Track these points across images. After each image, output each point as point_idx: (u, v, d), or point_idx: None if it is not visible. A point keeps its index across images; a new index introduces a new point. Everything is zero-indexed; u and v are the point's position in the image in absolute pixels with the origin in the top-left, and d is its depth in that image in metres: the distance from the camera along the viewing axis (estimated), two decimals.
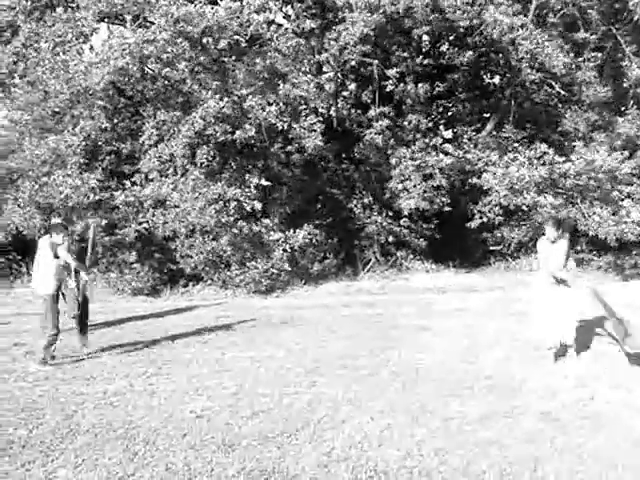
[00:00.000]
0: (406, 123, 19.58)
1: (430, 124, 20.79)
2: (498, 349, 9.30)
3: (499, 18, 17.59)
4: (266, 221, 16.54)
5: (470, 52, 19.45)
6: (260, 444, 5.52)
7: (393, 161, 18.84)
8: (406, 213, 18.74)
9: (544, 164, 18.06)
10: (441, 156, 19.61)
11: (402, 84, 19.44)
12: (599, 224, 17.80)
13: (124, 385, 7.32)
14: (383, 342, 9.89)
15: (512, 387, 7.27)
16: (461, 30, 18.91)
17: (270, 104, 15.83)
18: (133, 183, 16.28)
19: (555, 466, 5.04)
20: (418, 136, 19.54)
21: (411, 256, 19.86)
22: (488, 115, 22.38)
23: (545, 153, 18.21)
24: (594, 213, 18.12)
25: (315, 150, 17.01)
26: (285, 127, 16.21)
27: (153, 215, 15.77)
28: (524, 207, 18.42)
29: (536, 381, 7.52)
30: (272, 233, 16.38)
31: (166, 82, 16.10)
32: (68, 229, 9.02)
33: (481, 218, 19.11)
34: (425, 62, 19.88)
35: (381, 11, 17.26)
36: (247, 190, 15.78)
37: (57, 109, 16.12)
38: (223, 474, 4.93)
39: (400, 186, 18.57)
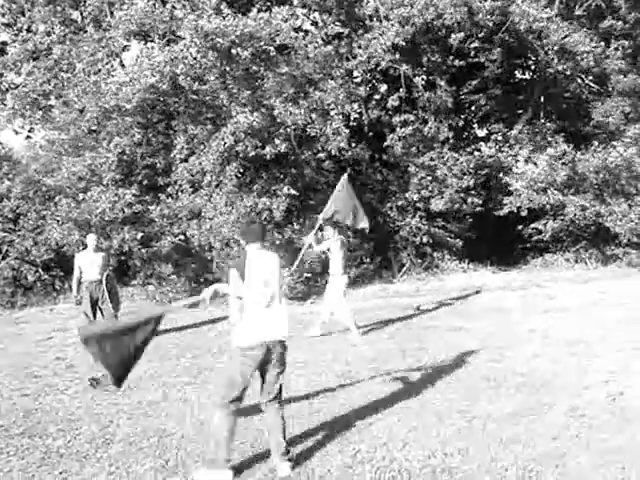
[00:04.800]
0: (437, 123, 19.56)
1: (462, 123, 20.76)
2: (530, 347, 9.34)
3: (526, 9, 17.54)
4: (297, 227, 16.71)
5: (499, 49, 19.41)
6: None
7: (423, 163, 18.87)
8: (438, 212, 18.79)
9: (565, 163, 18.04)
10: (476, 154, 19.65)
11: (430, 85, 19.49)
12: (619, 219, 17.84)
13: (159, 395, 7.50)
14: (416, 344, 9.96)
15: (541, 384, 7.31)
16: (489, 28, 18.87)
17: (300, 111, 16.01)
18: (168, 195, 16.60)
19: (578, 462, 5.08)
20: (450, 135, 19.55)
21: (447, 257, 19.82)
22: (520, 111, 22.27)
23: (565, 153, 18.18)
24: (612, 211, 18.11)
25: (340, 153, 17.14)
26: (315, 133, 16.38)
27: (188, 226, 16.05)
28: (548, 206, 18.44)
29: (567, 377, 7.56)
30: (303, 239, 16.55)
31: (196, 96, 16.37)
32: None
33: (510, 211, 19.07)
34: (455, 62, 19.87)
35: (412, 22, 17.38)
36: (278, 199, 16.00)
37: (92, 127, 16.49)
38: (251, 477, 5.06)
39: (432, 187, 18.62)
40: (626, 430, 5.76)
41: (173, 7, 15.86)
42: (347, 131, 16.59)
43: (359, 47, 18.12)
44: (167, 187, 16.79)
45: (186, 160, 16.12)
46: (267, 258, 5.40)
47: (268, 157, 16.07)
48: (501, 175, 19.48)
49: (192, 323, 13.06)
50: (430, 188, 18.77)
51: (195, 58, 15.28)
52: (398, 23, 17.16)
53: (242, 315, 5.18)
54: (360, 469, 5.12)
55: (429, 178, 18.82)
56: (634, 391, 6.90)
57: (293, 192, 16.45)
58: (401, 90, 19.35)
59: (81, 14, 18.60)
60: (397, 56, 17.84)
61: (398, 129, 19.09)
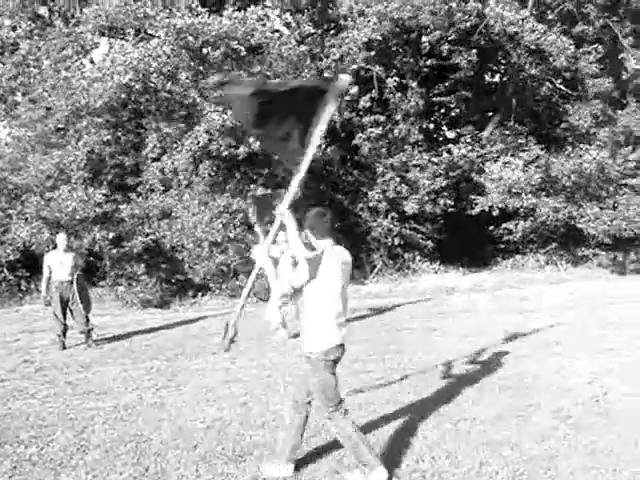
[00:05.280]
0: (408, 125, 19.52)
1: (432, 126, 20.74)
2: (508, 348, 9.28)
3: (500, 12, 17.60)
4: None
5: (473, 51, 19.43)
6: (272, 453, 5.44)
7: (393, 164, 18.82)
8: (410, 213, 18.75)
9: (538, 167, 18.15)
10: (445, 155, 19.63)
11: (401, 87, 19.46)
12: (591, 221, 18.05)
13: (134, 399, 7.28)
14: (393, 345, 9.87)
15: (524, 386, 7.24)
16: (462, 30, 18.88)
17: None
18: (139, 195, 16.35)
19: (568, 464, 5.00)
20: (421, 137, 19.53)
21: (419, 258, 19.81)
22: (491, 114, 22.35)
23: (538, 157, 18.31)
24: (584, 213, 18.28)
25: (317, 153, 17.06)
26: None
27: (159, 226, 15.81)
28: (521, 209, 18.54)
29: (548, 378, 7.50)
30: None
31: (168, 95, 16.12)
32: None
33: (482, 210, 19.11)
34: (427, 62, 19.86)
35: (389, 17, 17.39)
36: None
37: (60, 125, 16.18)
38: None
39: (403, 189, 18.57)
40: (612, 431, 5.69)
41: (144, 3, 15.59)
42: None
43: (332, 46, 18.04)
44: (137, 186, 16.53)
45: (158, 159, 15.89)
46: (343, 256, 4.92)
47: (241, 157, 15.89)
48: (473, 175, 19.50)
49: (164, 325, 12.87)
50: (399, 189, 18.70)
51: (168, 56, 15.06)
52: (376, 17, 17.14)
53: (314, 317, 4.77)
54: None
55: (398, 179, 18.77)
56: (617, 392, 6.87)
57: (267, 192, 16.32)
58: (373, 92, 19.29)
59: (49, 10, 18.24)
60: (372, 53, 17.80)
61: (368, 129, 19.04)
